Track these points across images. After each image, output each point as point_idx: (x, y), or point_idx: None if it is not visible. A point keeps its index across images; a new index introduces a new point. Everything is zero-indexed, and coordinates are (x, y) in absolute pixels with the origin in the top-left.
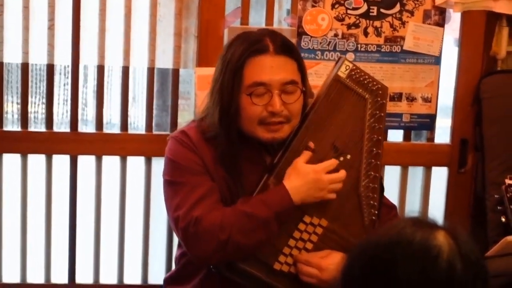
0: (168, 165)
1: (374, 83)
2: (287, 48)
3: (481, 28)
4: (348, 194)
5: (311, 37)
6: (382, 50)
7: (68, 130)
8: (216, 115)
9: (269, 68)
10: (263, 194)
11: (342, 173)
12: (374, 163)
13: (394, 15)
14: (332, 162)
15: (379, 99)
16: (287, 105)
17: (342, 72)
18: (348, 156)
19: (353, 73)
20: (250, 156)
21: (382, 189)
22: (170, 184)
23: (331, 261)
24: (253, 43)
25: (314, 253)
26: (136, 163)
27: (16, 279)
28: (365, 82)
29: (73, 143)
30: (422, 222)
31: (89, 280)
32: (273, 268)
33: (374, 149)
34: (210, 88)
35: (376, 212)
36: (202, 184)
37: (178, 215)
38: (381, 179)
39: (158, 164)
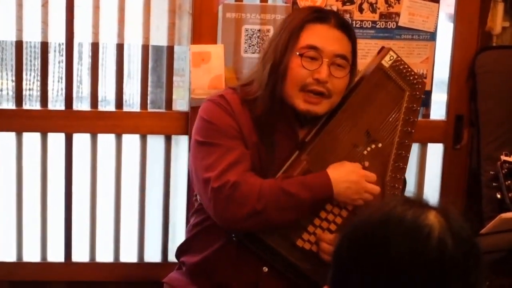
0: (202, 125)
1: (416, 76)
2: (347, 27)
3: (476, 4)
4: (375, 182)
5: None
6: (377, 26)
7: (63, 107)
8: (266, 73)
9: (326, 37)
10: (305, 177)
11: (378, 188)
12: (404, 155)
13: None
14: (373, 176)
15: (417, 93)
16: (333, 78)
17: (386, 62)
18: (380, 145)
19: (396, 63)
20: (284, 128)
21: (404, 183)
22: (202, 144)
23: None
24: (317, 12)
25: (336, 234)
26: (131, 140)
27: (12, 258)
28: (407, 74)
29: (68, 121)
30: (413, 201)
31: (85, 259)
32: (295, 244)
33: (406, 141)
34: (263, 51)
35: None
36: (236, 148)
37: (210, 176)
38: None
39: (153, 142)
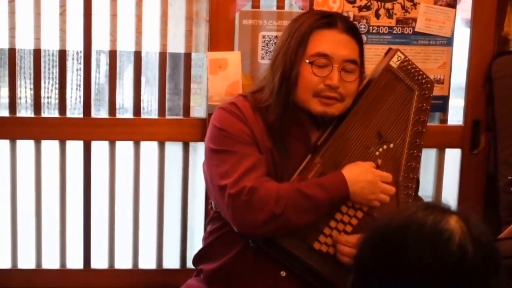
0: (215, 133)
1: (424, 76)
2: (354, 30)
3: (492, 9)
4: (390, 183)
5: None
6: (394, 32)
7: (81, 115)
8: (277, 81)
9: (335, 43)
10: (320, 179)
11: (393, 189)
12: (415, 154)
13: None
14: (389, 176)
15: (426, 92)
16: (344, 83)
17: (394, 62)
18: (391, 145)
19: (404, 64)
20: (297, 133)
21: (417, 182)
22: (217, 152)
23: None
24: (323, 17)
25: (354, 235)
26: (149, 147)
27: (32, 265)
28: (415, 74)
29: (86, 128)
30: (434, 206)
31: (104, 265)
32: (312, 247)
33: (417, 140)
34: (272, 57)
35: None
36: (251, 154)
37: (226, 183)
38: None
39: (171, 149)
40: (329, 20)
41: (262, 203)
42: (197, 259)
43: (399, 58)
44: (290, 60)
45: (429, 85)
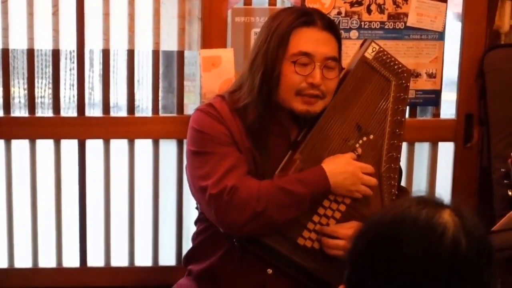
0: (194, 135)
1: (400, 65)
2: (332, 26)
3: (483, 2)
4: (370, 174)
5: None
6: (386, 27)
7: (75, 114)
8: (257, 81)
9: (315, 41)
10: (301, 174)
11: (374, 180)
12: (396, 144)
13: None
14: (370, 167)
15: (403, 81)
16: (326, 80)
17: (369, 54)
18: (371, 136)
19: (379, 55)
20: (276, 131)
21: (400, 171)
22: (197, 154)
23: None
24: (302, 15)
25: (340, 224)
26: (143, 145)
27: (28, 264)
28: (391, 64)
29: (81, 127)
30: (428, 200)
31: (101, 263)
32: (296, 243)
33: (397, 130)
34: (249, 58)
35: (396, 192)
36: (231, 154)
37: (207, 184)
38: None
39: (166, 146)
40: (308, 18)
41: (244, 202)
42: (187, 259)
43: (374, 49)
44: (271, 60)
45: (405, 74)
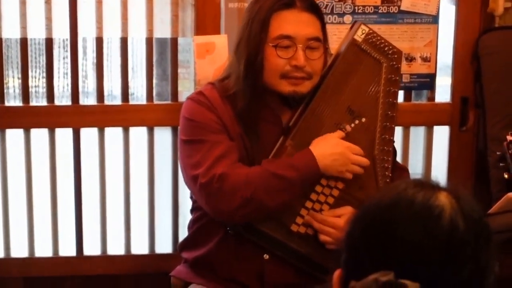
0: (185, 124)
1: (390, 47)
2: (313, 6)
3: None
4: (363, 156)
5: None
6: (380, 11)
7: (69, 103)
8: (242, 67)
9: (296, 23)
10: (290, 158)
11: (366, 160)
12: (389, 126)
13: None
14: (359, 149)
15: (394, 63)
16: (310, 61)
17: (359, 36)
18: (363, 119)
19: (369, 37)
20: (267, 116)
21: (394, 152)
22: (188, 143)
23: (348, 220)
24: None
25: (331, 210)
26: (138, 133)
27: (25, 253)
28: (381, 46)
29: (75, 116)
30: (424, 183)
31: (97, 252)
32: (290, 230)
33: (389, 112)
34: (235, 44)
35: (390, 174)
36: (221, 142)
37: (198, 172)
38: (393, 142)
39: (161, 134)
40: (287, 0)
41: (233, 189)
42: (182, 246)
43: (364, 31)
44: (253, 46)
45: (396, 56)
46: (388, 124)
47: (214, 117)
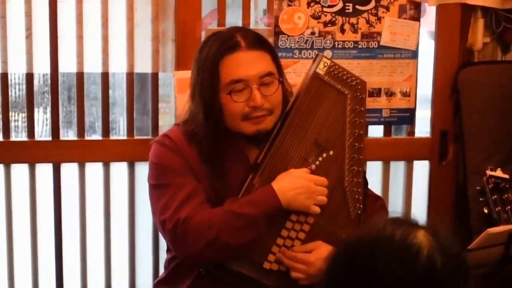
0: (152, 169)
1: (353, 78)
2: (258, 41)
3: (456, 20)
4: (333, 189)
5: (288, 36)
6: (359, 46)
7: (49, 138)
8: (201, 117)
9: (244, 64)
10: (251, 195)
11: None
12: (356, 158)
13: (369, 11)
14: (323, 180)
15: (358, 94)
16: (267, 97)
17: (321, 69)
18: (331, 152)
19: (331, 69)
20: (234, 155)
21: (365, 182)
22: (155, 188)
23: (318, 255)
24: (224, 42)
25: (302, 246)
26: (119, 168)
27: None
28: (344, 77)
29: (55, 151)
30: (403, 221)
31: (77, 286)
32: (263, 267)
33: (356, 143)
34: (190, 91)
35: (361, 206)
36: (186, 184)
37: (165, 218)
38: (364, 173)
39: (141, 169)
40: (230, 43)
41: (196, 232)
42: (158, 284)
43: (325, 64)
44: (208, 95)
45: (360, 86)
46: (355, 155)
47: (179, 159)
